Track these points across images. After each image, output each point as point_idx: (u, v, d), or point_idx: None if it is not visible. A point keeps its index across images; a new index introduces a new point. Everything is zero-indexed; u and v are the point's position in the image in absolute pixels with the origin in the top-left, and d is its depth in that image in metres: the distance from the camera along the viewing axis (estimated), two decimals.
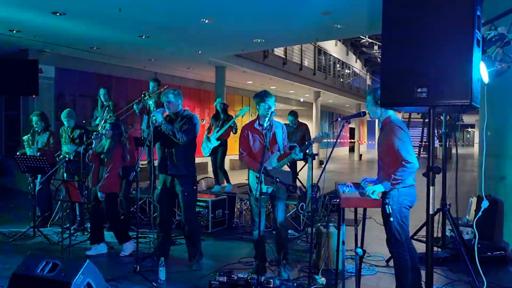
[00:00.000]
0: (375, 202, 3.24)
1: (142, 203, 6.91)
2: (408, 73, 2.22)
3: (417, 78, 2.20)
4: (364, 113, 3.76)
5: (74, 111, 6.66)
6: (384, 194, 3.41)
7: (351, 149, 33.02)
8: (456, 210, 4.87)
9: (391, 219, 3.34)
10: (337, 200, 3.45)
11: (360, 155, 26.22)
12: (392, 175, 3.34)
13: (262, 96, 4.24)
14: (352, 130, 34.58)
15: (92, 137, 5.08)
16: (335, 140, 3.84)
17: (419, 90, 2.16)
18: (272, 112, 4.22)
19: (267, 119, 4.21)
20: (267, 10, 7.00)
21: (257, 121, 4.37)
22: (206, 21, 7.46)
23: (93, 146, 5.10)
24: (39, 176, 6.14)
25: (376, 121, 30.39)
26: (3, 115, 11.06)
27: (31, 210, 6.26)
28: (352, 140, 32.92)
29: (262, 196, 3.93)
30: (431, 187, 2.25)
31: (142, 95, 7.06)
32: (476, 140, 35.57)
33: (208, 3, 6.63)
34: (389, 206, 3.33)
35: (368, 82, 32.68)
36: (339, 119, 3.86)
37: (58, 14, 7.02)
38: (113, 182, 5.02)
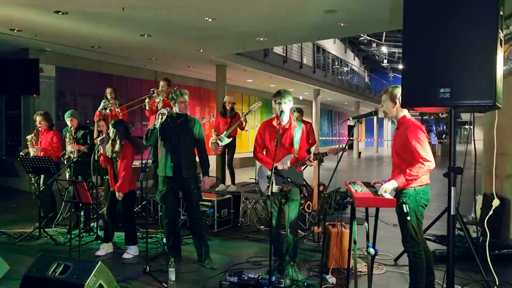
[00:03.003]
0: (391, 201, 3.22)
1: (146, 203, 6.87)
2: (431, 73, 2.21)
3: (440, 78, 2.19)
4: (376, 113, 3.74)
5: (75, 110, 6.62)
6: (400, 193, 3.39)
7: (350, 147, 33.09)
8: (475, 210, 4.86)
9: (408, 218, 3.31)
10: (350, 200, 3.44)
11: (359, 153, 26.25)
12: (408, 170, 3.31)
13: (277, 95, 4.23)
14: (350, 128, 34.66)
15: (98, 143, 5.03)
16: (347, 139, 3.80)
17: (442, 90, 2.15)
18: (282, 111, 4.19)
19: (283, 117, 4.19)
20: (271, 8, 6.97)
21: (276, 118, 4.31)
22: (210, 20, 7.44)
23: (101, 151, 5.05)
24: (42, 176, 6.12)
25: (375, 119, 30.17)
26: (3, 115, 11.00)
27: (34, 210, 6.25)
28: (351, 138, 32.97)
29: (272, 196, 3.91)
30: (452, 188, 2.23)
31: (151, 92, 7.04)
32: (475, 137, 35.50)
33: (211, 1, 6.60)
34: (406, 205, 3.31)
35: (366, 79, 32.70)
36: (351, 118, 3.86)
37: (60, 13, 6.99)
38: (130, 180, 5.00)
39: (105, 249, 5.16)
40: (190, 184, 4.74)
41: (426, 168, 3.33)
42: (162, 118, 4.48)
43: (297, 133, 4.27)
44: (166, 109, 4.59)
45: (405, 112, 3.54)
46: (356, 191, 3.45)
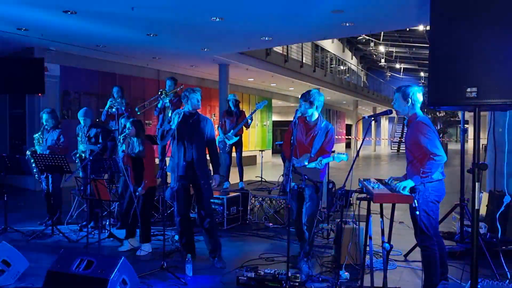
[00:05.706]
0: (408, 198, 3.32)
1: (156, 200, 6.92)
2: (457, 73, 2.30)
3: (467, 78, 2.28)
4: (391, 111, 3.85)
5: (79, 109, 6.66)
6: (412, 189, 3.50)
7: (347, 146, 33.24)
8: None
9: (417, 212, 3.44)
10: (368, 196, 3.53)
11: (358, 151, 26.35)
12: (421, 169, 3.43)
13: (302, 95, 4.40)
14: (348, 127, 34.81)
15: (120, 141, 5.11)
16: (362, 139, 3.93)
17: (468, 89, 2.24)
18: (296, 111, 4.30)
19: (309, 116, 4.32)
20: (278, 8, 7.04)
21: (303, 117, 4.45)
22: (217, 19, 7.50)
23: (123, 148, 5.12)
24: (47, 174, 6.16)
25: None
26: (8, 114, 11.01)
27: (45, 208, 6.33)
28: (349, 137, 33.12)
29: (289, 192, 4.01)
30: (476, 183, 2.33)
31: (159, 93, 7.12)
32: (471, 136, 35.81)
33: (219, 1, 6.66)
34: (415, 200, 3.42)
35: (364, 78, 32.80)
36: (366, 117, 3.95)
37: (69, 12, 7.02)
38: (152, 176, 5.09)
39: (129, 243, 5.25)
40: (202, 181, 4.72)
41: (437, 163, 3.45)
42: (179, 117, 4.51)
43: (320, 134, 4.37)
44: (182, 110, 4.67)
45: (416, 110, 3.65)
46: (373, 188, 3.55)
